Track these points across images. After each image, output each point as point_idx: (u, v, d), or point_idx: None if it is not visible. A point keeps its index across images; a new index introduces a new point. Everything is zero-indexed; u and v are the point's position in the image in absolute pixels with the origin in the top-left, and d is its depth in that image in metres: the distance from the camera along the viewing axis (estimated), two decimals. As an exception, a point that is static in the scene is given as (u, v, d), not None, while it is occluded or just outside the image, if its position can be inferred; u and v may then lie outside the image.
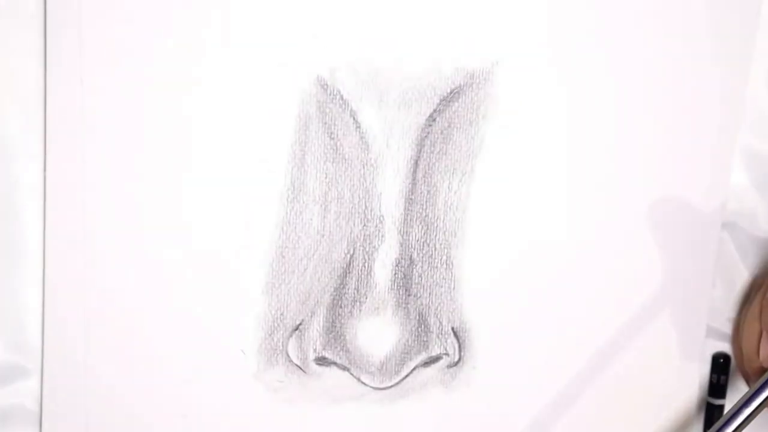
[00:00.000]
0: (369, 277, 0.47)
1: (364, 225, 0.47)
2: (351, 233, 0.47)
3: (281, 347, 0.48)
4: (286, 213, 0.46)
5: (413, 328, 0.49)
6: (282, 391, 0.48)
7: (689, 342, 0.52)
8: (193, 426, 0.47)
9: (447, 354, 0.50)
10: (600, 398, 0.51)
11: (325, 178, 0.46)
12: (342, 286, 0.47)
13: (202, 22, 0.42)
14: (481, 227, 0.48)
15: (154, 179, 0.44)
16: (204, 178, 0.45)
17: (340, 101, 0.45)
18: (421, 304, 0.49)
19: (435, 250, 0.48)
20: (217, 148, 0.44)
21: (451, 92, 0.46)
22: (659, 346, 0.51)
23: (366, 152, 0.46)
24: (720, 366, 0.52)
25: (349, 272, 0.47)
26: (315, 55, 0.44)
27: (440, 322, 0.49)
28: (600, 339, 0.51)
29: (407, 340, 0.49)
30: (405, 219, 0.47)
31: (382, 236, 0.47)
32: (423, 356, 0.49)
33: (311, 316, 0.48)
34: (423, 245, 0.48)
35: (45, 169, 0.43)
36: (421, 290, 0.49)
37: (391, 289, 0.48)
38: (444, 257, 0.48)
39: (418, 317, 0.49)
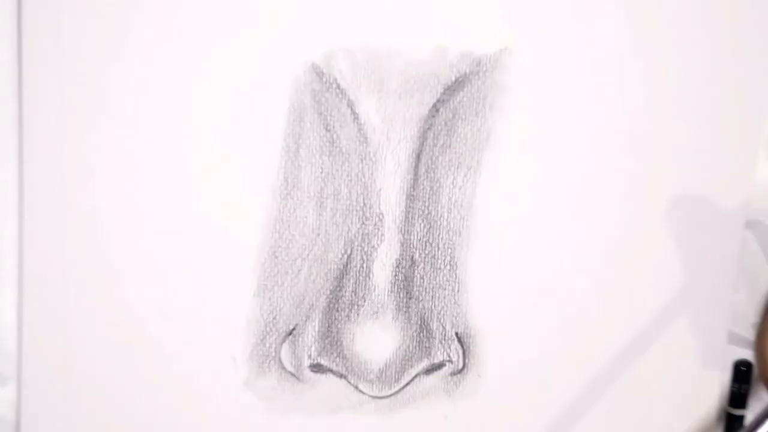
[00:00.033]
0: (367, 278, 0.47)
1: (363, 223, 0.46)
2: (348, 232, 0.46)
3: (274, 353, 0.47)
4: (279, 210, 0.45)
5: (414, 334, 0.48)
6: (274, 400, 0.48)
7: (709, 349, 0.52)
8: (180, 437, 0.47)
9: (450, 361, 0.49)
10: (614, 409, 0.52)
11: (321, 172, 0.45)
12: (339, 288, 0.47)
13: (187, 6, 0.41)
14: (488, 226, 0.48)
15: (135, 175, 0.43)
16: (190, 174, 0.44)
17: (337, 90, 0.44)
18: (423, 308, 0.48)
19: (438, 250, 0.48)
20: (204, 141, 0.44)
21: (456, 80, 0.45)
22: (677, 353, 0.52)
23: (364, 145, 0.45)
24: (742, 374, 0.52)
25: (347, 273, 0.47)
26: (309, 40, 0.43)
27: (443, 327, 0.49)
28: (615, 346, 0.51)
29: (408, 346, 0.49)
30: (406, 217, 0.47)
31: (382, 235, 0.47)
32: (425, 363, 0.49)
33: (306, 320, 0.47)
34: (425, 245, 0.48)
35: (21, 171, 0.42)
36: (423, 293, 0.48)
37: (391, 291, 0.48)
38: (447, 258, 0.48)
39: (419, 322, 0.48)
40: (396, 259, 0.47)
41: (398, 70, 0.44)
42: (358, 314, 0.48)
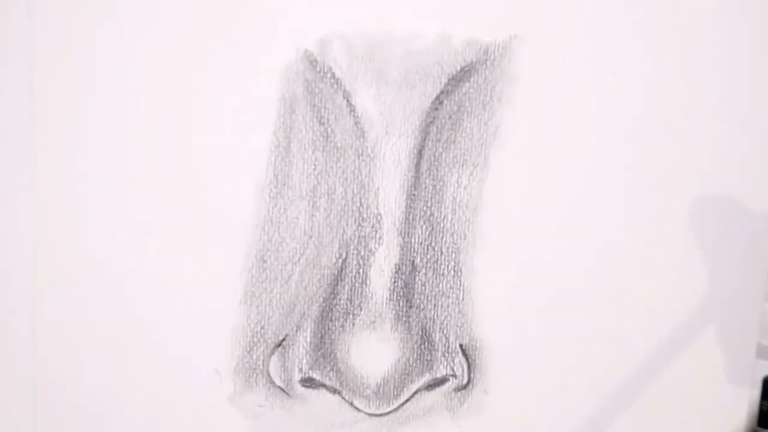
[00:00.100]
0: (364, 285, 0.46)
1: (359, 225, 0.46)
2: (343, 234, 0.46)
3: (261, 366, 0.47)
4: (268, 210, 0.45)
5: (415, 346, 0.47)
6: (262, 418, 0.47)
7: (737, 363, 0.50)
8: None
9: (454, 375, 0.48)
10: (633, 429, 0.50)
11: (314, 169, 0.45)
12: (333, 295, 0.46)
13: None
14: (495, 228, 0.47)
15: (113, 172, 0.44)
16: (170, 171, 0.44)
17: (332, 80, 0.44)
18: (425, 318, 0.47)
19: (441, 254, 0.47)
20: (185, 135, 0.44)
21: (461, 70, 0.45)
22: (701, 368, 0.50)
23: (361, 140, 0.45)
24: (772, 391, 0.52)
25: (341, 280, 0.46)
26: (302, 26, 0.43)
27: (446, 339, 0.48)
28: (633, 360, 0.49)
29: (408, 359, 0.48)
30: (406, 218, 0.46)
31: (380, 238, 0.46)
32: (426, 378, 0.48)
33: (297, 331, 0.47)
34: (427, 249, 0.47)
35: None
36: (425, 301, 0.47)
37: (390, 299, 0.47)
38: (451, 263, 0.47)
39: (420, 332, 0.47)
40: (395, 264, 0.46)
41: (398, 58, 0.44)
42: (353, 324, 0.47)
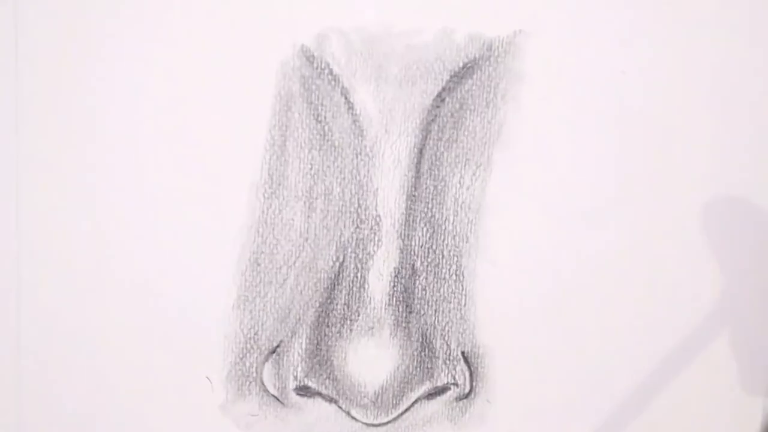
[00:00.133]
0: (362, 289, 0.46)
1: (357, 227, 0.46)
2: (341, 236, 0.46)
3: (255, 374, 0.47)
4: (263, 211, 0.45)
5: (415, 353, 0.47)
6: (255, 427, 0.47)
7: (751, 371, 0.49)
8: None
9: (456, 384, 0.48)
10: None
11: (310, 169, 0.45)
12: (329, 300, 0.46)
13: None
14: (499, 231, 0.47)
15: (101, 172, 0.44)
16: (161, 170, 0.44)
17: (329, 76, 0.44)
18: (425, 323, 0.47)
19: (442, 258, 0.47)
20: (178, 133, 0.44)
21: (464, 66, 0.45)
22: (714, 377, 0.49)
23: (360, 139, 0.45)
24: (788, 401, 0.51)
25: (338, 284, 0.46)
26: (298, 20, 0.43)
27: (448, 346, 0.47)
28: (643, 368, 0.48)
29: (407, 367, 0.47)
30: (406, 220, 0.46)
31: (379, 240, 0.46)
32: (427, 386, 0.48)
33: (292, 337, 0.46)
34: (428, 252, 0.46)
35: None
36: (425, 306, 0.47)
37: (389, 304, 0.46)
38: (453, 267, 0.47)
39: (420, 339, 0.47)
40: (395, 268, 0.46)
41: (398, 54, 0.44)
42: (351, 330, 0.47)
